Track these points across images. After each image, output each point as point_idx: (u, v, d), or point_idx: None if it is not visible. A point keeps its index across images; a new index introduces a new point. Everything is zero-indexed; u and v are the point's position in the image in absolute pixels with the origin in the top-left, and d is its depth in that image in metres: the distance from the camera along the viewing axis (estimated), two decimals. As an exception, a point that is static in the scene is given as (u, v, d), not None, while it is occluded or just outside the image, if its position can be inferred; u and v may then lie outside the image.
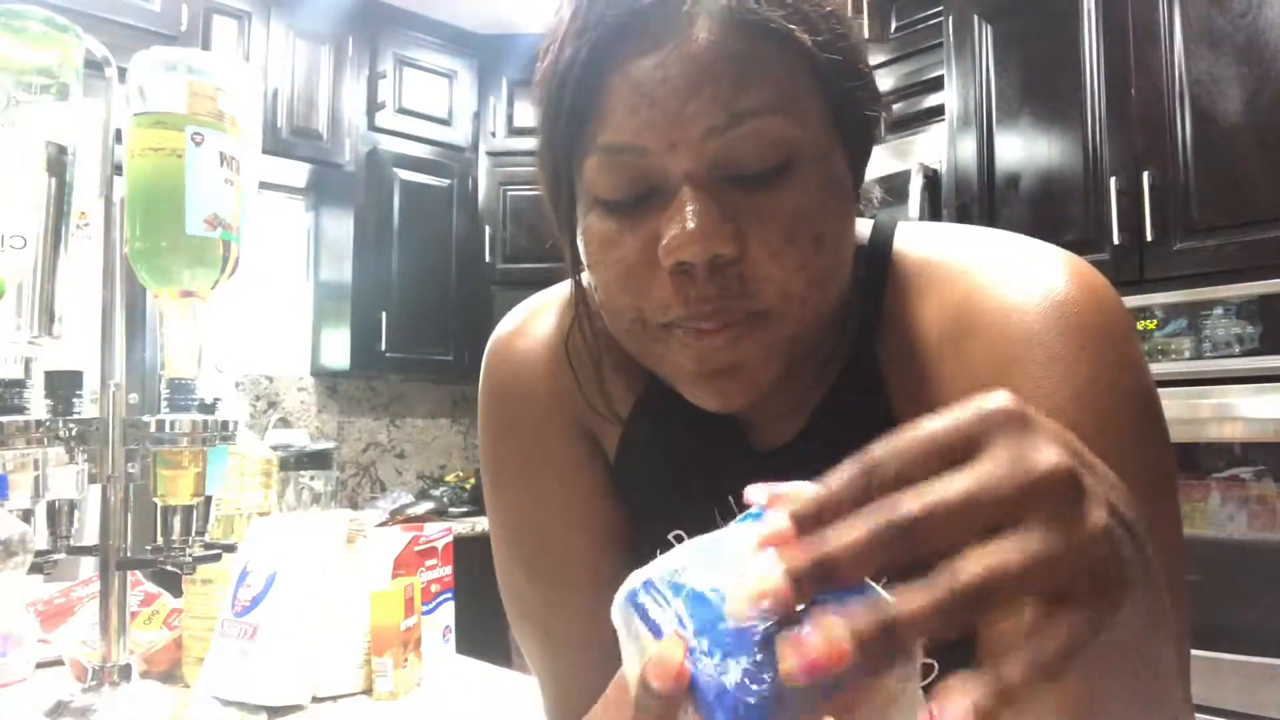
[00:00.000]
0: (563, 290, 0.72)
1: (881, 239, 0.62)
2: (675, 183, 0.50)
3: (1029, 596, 0.30)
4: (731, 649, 0.30)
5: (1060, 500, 0.30)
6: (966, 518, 0.29)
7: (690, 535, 0.64)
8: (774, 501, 0.33)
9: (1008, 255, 0.57)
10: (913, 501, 0.29)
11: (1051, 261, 0.56)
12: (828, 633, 0.28)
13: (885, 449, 0.31)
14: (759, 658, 0.29)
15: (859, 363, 0.60)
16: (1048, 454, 0.30)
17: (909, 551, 0.29)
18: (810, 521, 0.30)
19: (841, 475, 0.31)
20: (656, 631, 0.32)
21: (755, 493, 0.34)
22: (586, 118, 0.52)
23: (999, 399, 0.32)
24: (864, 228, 0.63)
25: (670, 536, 0.65)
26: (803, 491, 0.32)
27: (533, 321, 0.71)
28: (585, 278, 0.58)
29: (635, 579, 0.35)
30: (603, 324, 0.60)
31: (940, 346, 0.57)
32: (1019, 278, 0.55)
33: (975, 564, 0.28)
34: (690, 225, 0.48)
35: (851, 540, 0.29)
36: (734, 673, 0.29)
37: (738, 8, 0.49)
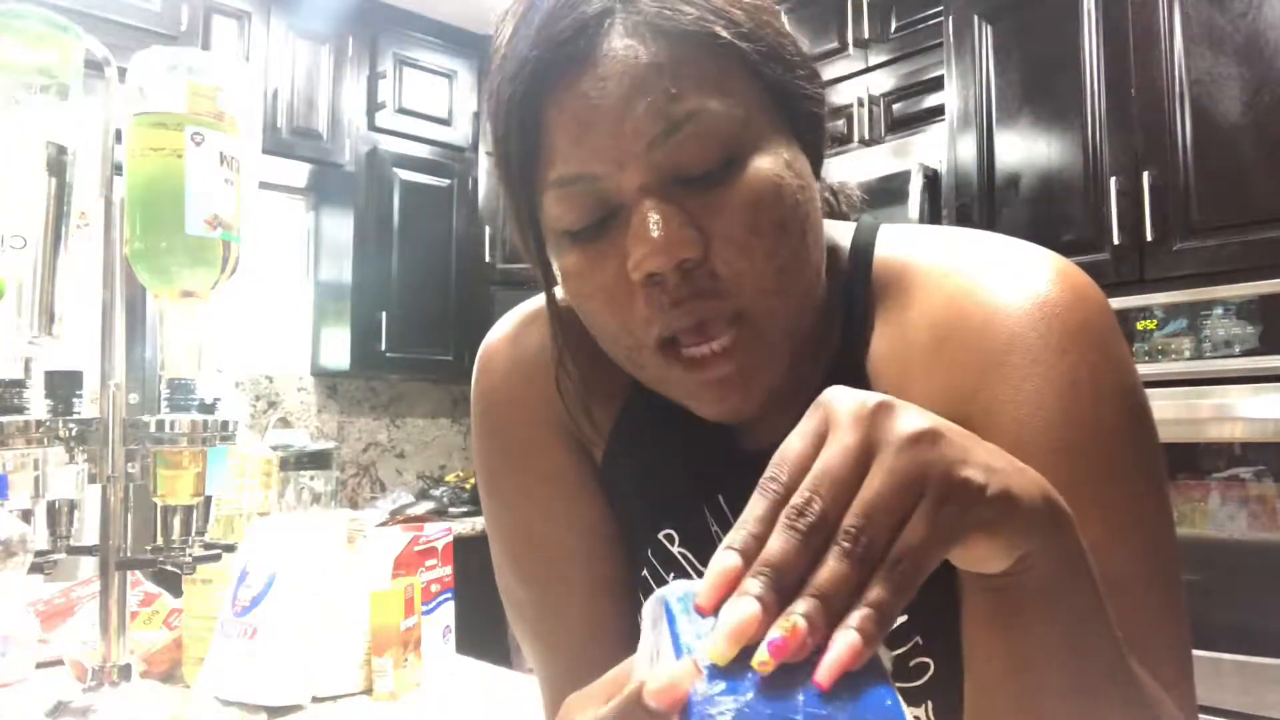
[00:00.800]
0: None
1: (865, 241, 0.62)
2: (631, 199, 0.51)
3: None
4: (730, 684, 0.32)
5: (853, 427, 0.35)
6: (839, 490, 0.34)
7: (680, 534, 0.64)
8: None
9: (991, 257, 0.57)
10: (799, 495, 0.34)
11: (1035, 263, 0.56)
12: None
13: (765, 479, 0.36)
14: (749, 696, 0.31)
15: (844, 364, 0.60)
16: (905, 425, 0.35)
17: (816, 542, 0.33)
18: (748, 548, 0.34)
19: (752, 502, 0.35)
20: (676, 644, 0.33)
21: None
22: (534, 156, 0.53)
23: (814, 410, 0.38)
24: (847, 230, 0.63)
25: (660, 536, 0.65)
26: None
27: (523, 328, 0.71)
28: (560, 299, 0.60)
29: (678, 587, 0.35)
30: (587, 336, 0.60)
31: (925, 348, 0.57)
32: (1002, 279, 0.55)
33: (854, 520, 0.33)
34: (653, 236, 0.49)
35: (778, 547, 0.33)
36: (724, 707, 0.31)
37: (652, 18, 0.50)
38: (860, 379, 0.59)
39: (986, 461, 0.36)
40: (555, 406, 0.68)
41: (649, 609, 0.37)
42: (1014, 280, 0.55)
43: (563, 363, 0.65)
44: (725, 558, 0.33)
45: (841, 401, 0.36)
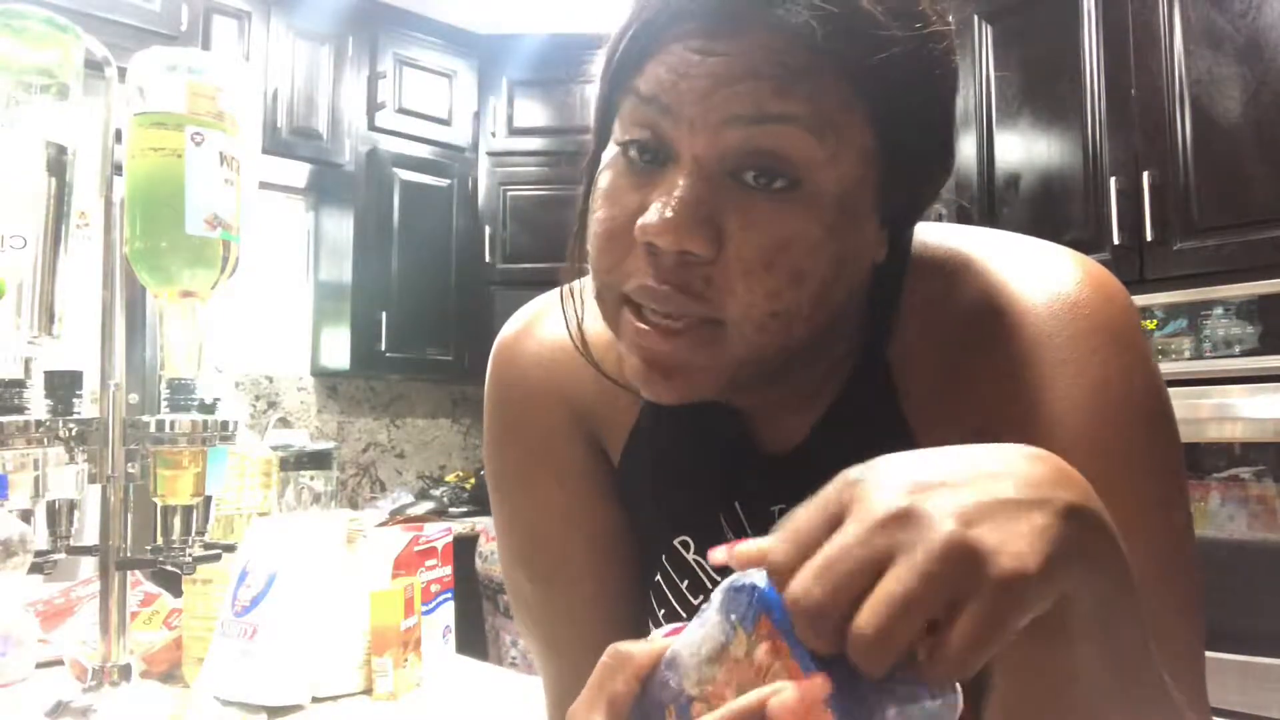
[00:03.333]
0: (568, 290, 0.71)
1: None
2: (682, 162, 0.49)
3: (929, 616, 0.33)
4: None
5: (903, 530, 0.33)
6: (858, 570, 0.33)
7: (696, 541, 0.64)
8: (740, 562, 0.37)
9: (1019, 258, 0.57)
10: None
11: (1063, 263, 0.56)
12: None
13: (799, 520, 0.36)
14: None
15: (870, 364, 0.59)
16: (880, 503, 0.34)
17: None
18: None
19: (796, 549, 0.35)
20: (790, 640, 0.34)
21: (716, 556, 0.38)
22: (635, 64, 0.51)
23: (840, 485, 0.36)
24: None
25: (676, 543, 0.65)
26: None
27: (537, 323, 0.70)
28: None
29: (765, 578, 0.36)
30: None
31: (953, 350, 0.56)
32: (1031, 280, 0.55)
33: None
34: (670, 212, 0.47)
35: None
36: None
37: (817, 27, 0.46)
38: (885, 379, 0.59)
39: (1027, 529, 0.34)
40: (573, 406, 0.67)
41: (724, 596, 0.37)
42: (1043, 281, 0.55)
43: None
44: (803, 602, 0.34)
45: (873, 497, 0.35)
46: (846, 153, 0.48)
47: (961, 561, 0.32)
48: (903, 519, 0.33)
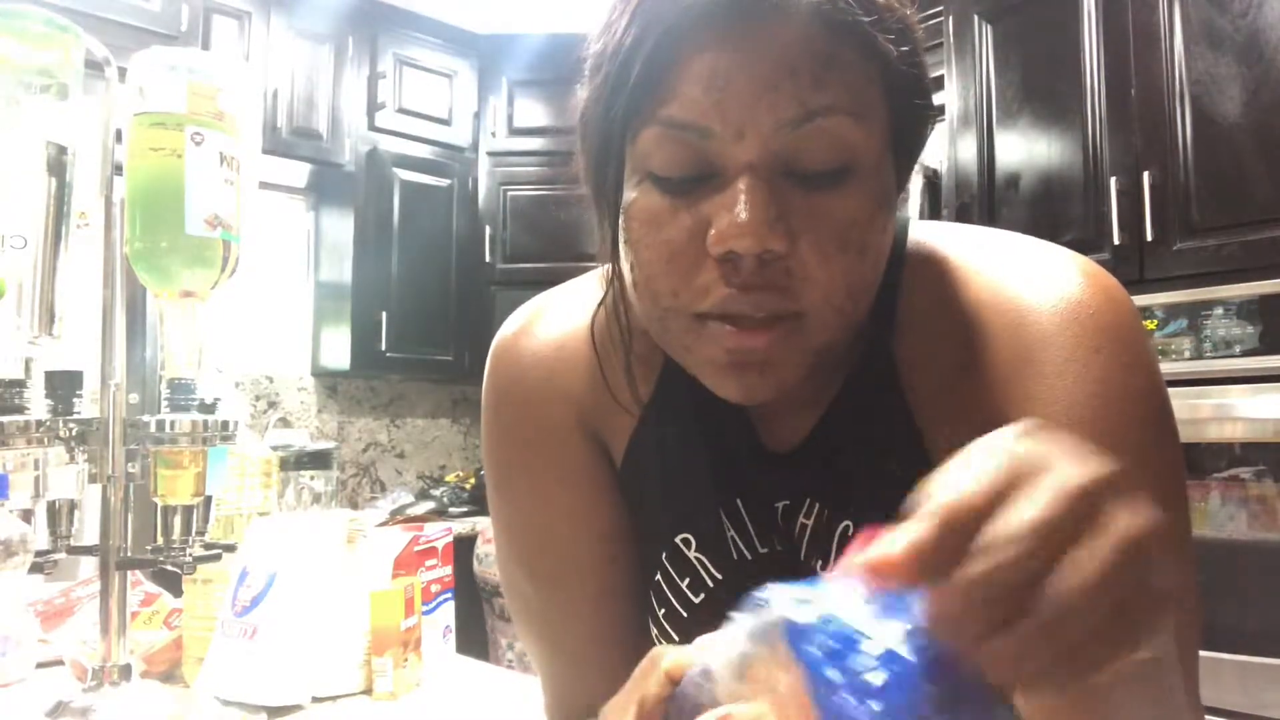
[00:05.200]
0: (567, 290, 0.71)
1: (896, 236, 0.62)
2: (735, 170, 0.49)
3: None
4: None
5: (1087, 517, 0.31)
6: (1044, 553, 0.30)
7: (697, 539, 0.64)
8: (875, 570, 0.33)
9: (1022, 257, 0.58)
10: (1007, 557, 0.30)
11: (1065, 264, 0.56)
12: None
13: (955, 499, 0.31)
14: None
15: (874, 361, 0.59)
16: (1082, 475, 0.31)
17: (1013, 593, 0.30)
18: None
19: (922, 532, 0.31)
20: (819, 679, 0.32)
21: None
22: (653, 90, 0.50)
23: (1021, 433, 0.32)
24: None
25: (677, 540, 0.65)
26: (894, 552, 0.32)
27: (537, 322, 0.70)
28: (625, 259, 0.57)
29: (789, 599, 0.35)
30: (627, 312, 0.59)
31: (957, 347, 0.57)
32: (1034, 279, 0.56)
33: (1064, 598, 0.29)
34: (744, 217, 0.48)
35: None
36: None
37: (828, 7, 0.48)
38: (889, 375, 0.59)
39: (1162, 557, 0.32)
40: (574, 404, 0.67)
41: (754, 622, 0.36)
42: (1044, 280, 0.55)
43: (617, 312, 0.63)
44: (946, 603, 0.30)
45: (1063, 470, 0.32)
46: (876, 126, 0.51)
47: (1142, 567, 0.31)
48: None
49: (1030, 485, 0.31)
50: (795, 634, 0.34)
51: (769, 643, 0.35)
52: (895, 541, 0.31)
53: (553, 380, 0.68)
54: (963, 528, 0.30)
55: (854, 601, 0.34)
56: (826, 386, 0.60)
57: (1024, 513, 0.30)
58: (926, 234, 0.62)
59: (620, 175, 0.54)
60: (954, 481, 0.31)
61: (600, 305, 0.66)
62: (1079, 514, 0.30)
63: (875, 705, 0.31)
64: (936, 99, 2.56)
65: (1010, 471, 0.31)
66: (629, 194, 0.53)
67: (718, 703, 0.37)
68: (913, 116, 0.54)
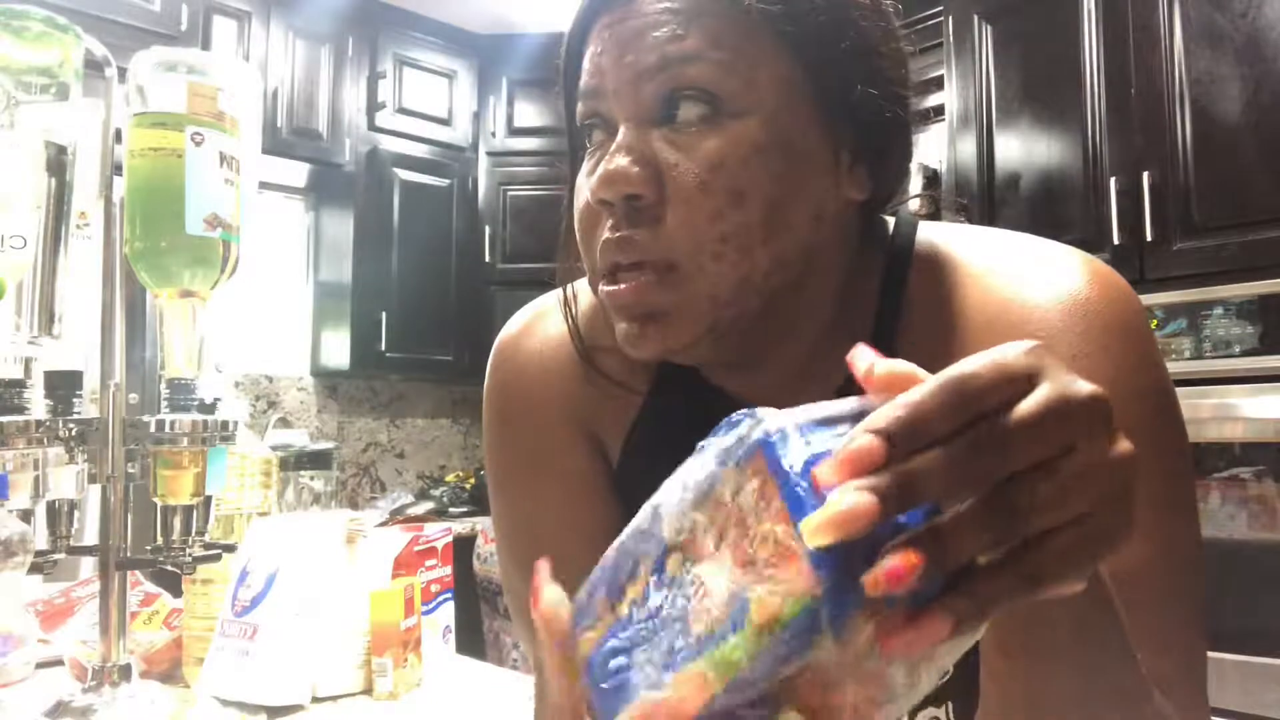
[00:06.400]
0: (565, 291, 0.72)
1: (903, 235, 0.62)
2: (616, 128, 0.53)
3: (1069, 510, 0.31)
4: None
5: (1099, 424, 0.31)
6: (1041, 440, 0.30)
7: None
8: (877, 382, 0.32)
9: (1029, 255, 0.58)
10: (1001, 426, 0.30)
11: (1072, 262, 0.56)
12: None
13: (966, 374, 0.31)
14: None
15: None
16: (1085, 385, 0.32)
17: (992, 471, 0.30)
18: (902, 443, 0.29)
19: (926, 389, 0.30)
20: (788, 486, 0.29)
21: (861, 358, 0.33)
22: (575, 75, 0.57)
23: (1030, 345, 0.32)
24: (886, 224, 0.63)
25: None
26: (906, 379, 0.32)
27: (538, 323, 0.71)
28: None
29: (777, 420, 0.31)
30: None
31: (962, 343, 0.57)
32: (1041, 277, 0.56)
33: (1044, 551, 0.30)
34: (609, 165, 0.51)
35: (946, 461, 0.29)
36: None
37: None
38: None
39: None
40: (573, 405, 0.67)
41: (728, 440, 0.32)
42: (1051, 278, 0.55)
43: (568, 308, 0.67)
44: (869, 440, 0.29)
45: (1070, 381, 0.32)
46: (761, 77, 0.52)
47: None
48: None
49: (1040, 380, 0.31)
50: (768, 441, 0.31)
51: (737, 455, 0.31)
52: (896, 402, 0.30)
53: (552, 381, 0.68)
54: (965, 400, 0.30)
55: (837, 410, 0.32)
56: (827, 381, 0.60)
57: (1029, 404, 0.30)
58: (933, 233, 0.62)
59: (579, 162, 0.59)
60: (968, 365, 0.31)
61: (563, 302, 0.68)
62: (1077, 418, 0.31)
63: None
64: (936, 99, 2.56)
65: (1021, 368, 0.31)
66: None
67: (663, 539, 0.33)
68: (838, 73, 0.54)
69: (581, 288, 0.71)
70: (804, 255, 0.54)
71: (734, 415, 0.33)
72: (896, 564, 0.28)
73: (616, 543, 0.36)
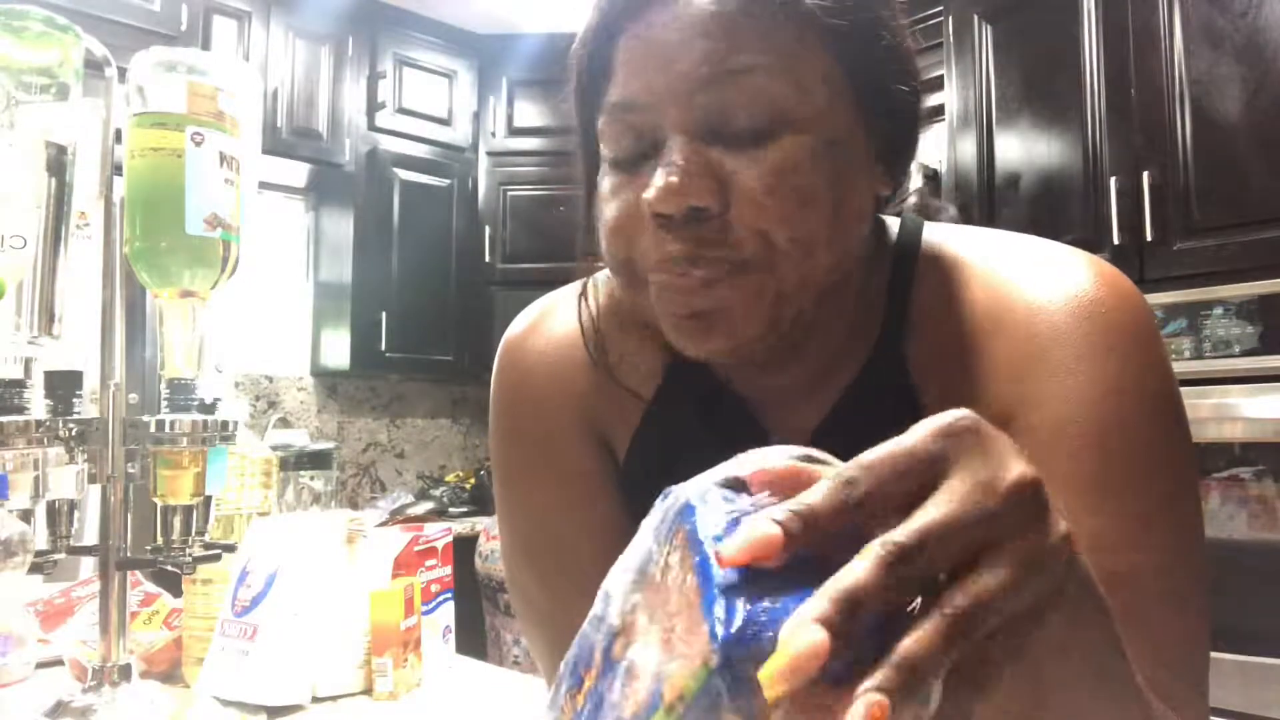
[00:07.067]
0: (575, 289, 0.72)
1: (910, 236, 0.62)
2: (666, 137, 0.51)
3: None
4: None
5: (1028, 514, 0.30)
6: (954, 541, 0.29)
7: None
8: (759, 479, 0.31)
9: (1035, 256, 0.58)
10: (904, 532, 0.28)
11: (1079, 263, 0.56)
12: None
13: (859, 467, 0.30)
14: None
15: (884, 357, 0.60)
16: (1015, 467, 0.30)
17: (906, 581, 0.28)
18: (798, 536, 0.29)
19: (822, 490, 0.29)
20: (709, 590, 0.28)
21: (746, 464, 0.33)
22: (602, 81, 0.54)
23: (958, 415, 0.31)
24: (892, 225, 0.63)
25: None
26: (787, 477, 0.31)
27: (544, 322, 0.70)
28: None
29: (699, 492, 0.30)
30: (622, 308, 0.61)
31: (969, 343, 0.57)
32: (1047, 278, 0.56)
33: (965, 595, 0.28)
34: (671, 178, 0.50)
35: (869, 576, 0.28)
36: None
37: None
38: (900, 370, 0.59)
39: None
40: (581, 405, 0.68)
41: (657, 516, 0.32)
42: (1058, 279, 0.55)
43: (588, 305, 0.66)
44: (767, 526, 0.28)
45: (991, 453, 0.30)
46: (813, 82, 0.51)
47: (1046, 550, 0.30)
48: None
49: (961, 471, 0.30)
50: (688, 512, 0.30)
51: (664, 530, 0.31)
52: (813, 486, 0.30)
53: (558, 379, 0.68)
54: (852, 502, 0.29)
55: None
56: (834, 381, 0.60)
57: (952, 496, 0.29)
58: (940, 234, 0.62)
59: (595, 169, 0.57)
60: (890, 447, 0.30)
61: (581, 298, 0.68)
62: (1003, 509, 0.29)
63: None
64: (936, 99, 2.56)
65: (944, 453, 0.30)
66: (599, 184, 0.56)
67: (610, 624, 0.33)
68: (877, 75, 0.54)
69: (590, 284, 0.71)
70: (851, 254, 0.55)
71: (665, 490, 0.32)
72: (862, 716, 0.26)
73: (579, 632, 0.35)
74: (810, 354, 0.59)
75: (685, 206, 0.50)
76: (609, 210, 0.55)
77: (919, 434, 0.31)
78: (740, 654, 0.27)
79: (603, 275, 0.70)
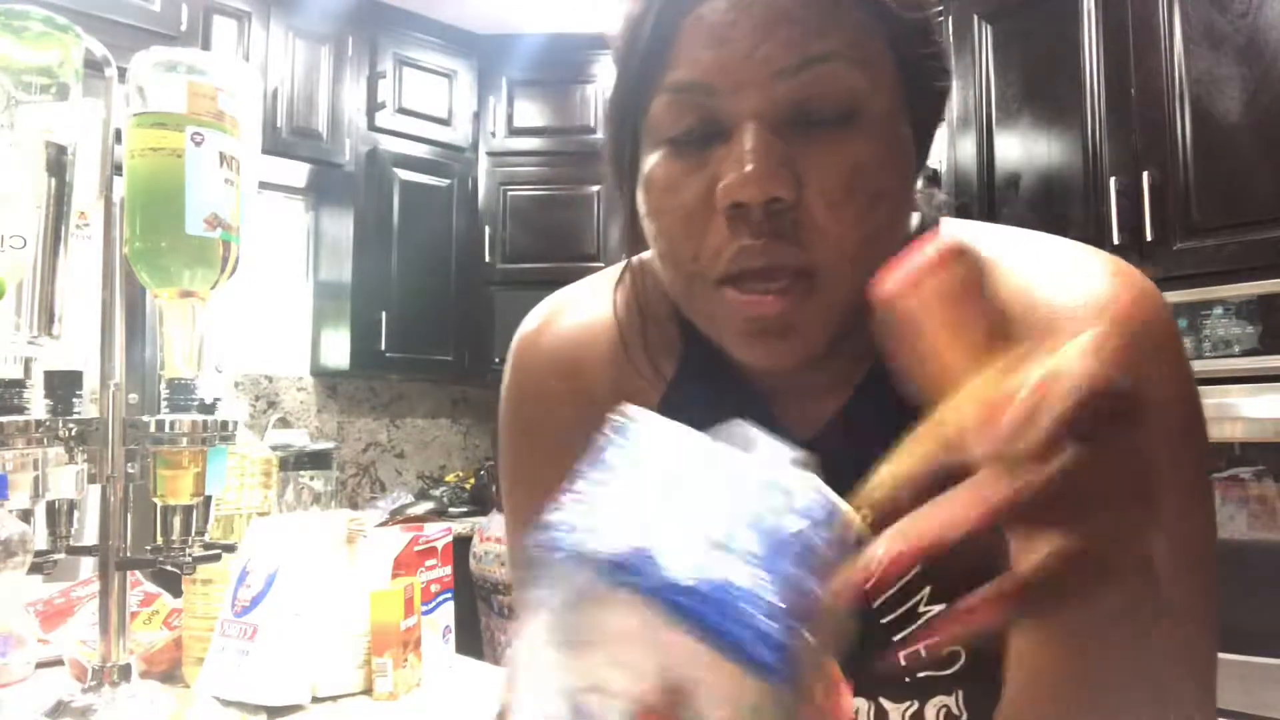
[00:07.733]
0: (586, 286, 0.71)
1: (926, 231, 0.62)
2: (740, 124, 0.50)
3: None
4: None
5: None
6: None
7: None
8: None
9: (1054, 256, 0.58)
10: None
11: (1098, 264, 0.56)
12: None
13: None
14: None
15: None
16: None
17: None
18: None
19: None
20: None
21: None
22: (659, 60, 0.52)
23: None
24: (910, 221, 0.63)
25: None
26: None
27: (556, 319, 0.70)
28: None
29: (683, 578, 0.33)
30: (648, 294, 0.60)
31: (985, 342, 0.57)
32: (1066, 279, 0.55)
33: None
34: (749, 167, 0.48)
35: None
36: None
37: None
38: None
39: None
40: (593, 399, 0.67)
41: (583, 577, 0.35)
42: (1076, 280, 0.55)
43: (635, 286, 0.65)
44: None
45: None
46: (881, 75, 0.51)
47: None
48: None
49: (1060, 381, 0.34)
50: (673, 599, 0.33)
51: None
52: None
53: (571, 377, 0.67)
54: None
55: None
56: (849, 375, 0.60)
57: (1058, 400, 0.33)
58: (959, 229, 0.62)
59: (637, 151, 0.55)
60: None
61: (618, 285, 0.66)
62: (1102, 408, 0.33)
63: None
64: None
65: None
66: (646, 166, 0.54)
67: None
68: (923, 71, 0.54)
69: (602, 282, 0.70)
70: (895, 254, 0.55)
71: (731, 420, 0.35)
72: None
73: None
74: (843, 353, 0.59)
75: (766, 196, 0.48)
76: (670, 202, 0.53)
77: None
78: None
79: (614, 269, 0.69)
